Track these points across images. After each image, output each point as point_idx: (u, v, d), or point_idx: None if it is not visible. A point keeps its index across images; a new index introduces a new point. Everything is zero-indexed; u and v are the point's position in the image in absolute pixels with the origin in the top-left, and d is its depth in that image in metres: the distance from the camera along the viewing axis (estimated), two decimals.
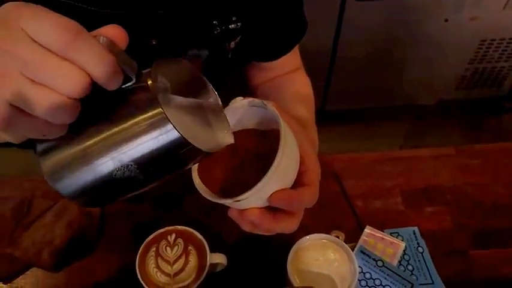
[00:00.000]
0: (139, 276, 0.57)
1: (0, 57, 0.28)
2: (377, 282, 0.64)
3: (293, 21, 0.72)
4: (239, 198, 0.40)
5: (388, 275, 0.64)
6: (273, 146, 0.40)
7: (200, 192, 0.44)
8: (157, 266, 0.59)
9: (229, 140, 0.41)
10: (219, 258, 0.61)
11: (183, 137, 0.31)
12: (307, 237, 0.61)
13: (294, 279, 0.58)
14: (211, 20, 0.60)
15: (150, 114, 0.31)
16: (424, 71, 1.76)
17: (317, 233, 0.61)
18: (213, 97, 0.41)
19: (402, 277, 0.64)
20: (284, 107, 0.51)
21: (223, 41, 0.63)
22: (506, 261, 0.69)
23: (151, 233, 0.61)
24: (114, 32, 0.31)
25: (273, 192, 0.42)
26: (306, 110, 0.68)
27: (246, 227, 0.45)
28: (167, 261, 0.59)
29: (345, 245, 0.60)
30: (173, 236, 0.61)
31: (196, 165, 0.45)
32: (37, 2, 0.29)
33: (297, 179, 0.45)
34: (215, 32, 0.61)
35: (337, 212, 0.74)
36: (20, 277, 0.66)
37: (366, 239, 0.68)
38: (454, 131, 1.86)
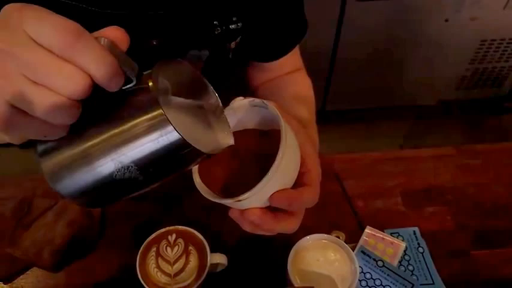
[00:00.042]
0: (139, 276, 0.57)
1: (2, 58, 0.28)
2: (377, 282, 0.64)
3: (294, 22, 0.72)
4: (240, 198, 0.40)
5: (388, 275, 0.64)
6: (273, 146, 0.40)
7: (201, 192, 0.44)
8: (158, 266, 0.59)
9: (230, 141, 0.41)
10: (219, 259, 0.61)
11: (184, 139, 0.31)
12: (308, 237, 0.61)
13: (295, 279, 0.58)
14: (212, 20, 0.60)
15: (150, 115, 0.31)
16: (425, 71, 1.76)
17: (317, 233, 0.61)
18: (214, 98, 0.41)
19: (403, 277, 0.64)
20: (284, 107, 0.51)
21: (223, 41, 0.63)
22: (507, 261, 0.69)
23: (152, 233, 0.61)
24: (115, 33, 0.31)
25: (274, 192, 0.42)
26: (307, 110, 0.68)
27: (247, 227, 0.45)
28: (168, 261, 0.59)
29: (346, 245, 0.60)
30: (174, 236, 0.61)
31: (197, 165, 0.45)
32: (38, 3, 0.29)
33: (298, 179, 0.45)
34: (216, 33, 0.61)
35: (338, 212, 0.74)
36: (21, 277, 0.66)
37: (367, 239, 0.68)
38: (454, 131, 1.86)
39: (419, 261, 0.67)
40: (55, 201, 0.70)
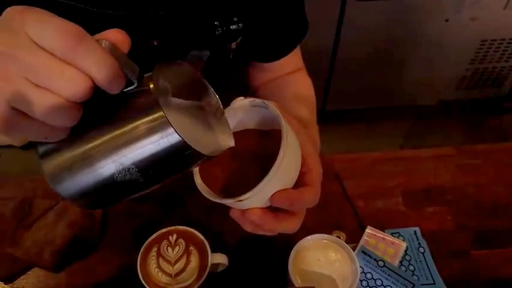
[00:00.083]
0: (140, 277, 0.57)
1: (3, 61, 0.28)
2: (378, 282, 0.64)
3: (294, 22, 0.72)
4: (241, 198, 0.40)
5: (389, 275, 0.64)
6: (274, 146, 0.40)
7: (202, 192, 0.44)
8: (159, 266, 0.59)
9: (230, 143, 0.41)
10: (220, 259, 0.61)
11: (184, 141, 0.31)
12: (309, 237, 0.61)
13: (296, 279, 0.58)
14: (213, 20, 0.60)
15: (151, 117, 0.31)
16: (425, 71, 1.76)
17: (318, 233, 0.61)
18: (214, 100, 0.41)
19: (403, 277, 0.64)
20: (285, 107, 0.51)
21: (224, 42, 0.63)
22: (508, 261, 0.69)
23: (153, 233, 0.61)
24: (116, 36, 0.31)
25: (275, 192, 0.42)
26: (307, 111, 0.68)
27: (248, 227, 0.45)
28: (168, 262, 0.59)
29: (346, 245, 0.60)
30: (174, 236, 0.61)
31: None
32: (39, 5, 0.29)
33: (299, 179, 0.45)
34: (216, 33, 0.61)
35: (338, 212, 0.74)
36: (21, 277, 0.66)
37: (367, 239, 0.68)
38: (454, 131, 1.86)
39: (420, 261, 0.67)
40: (56, 202, 0.70)
